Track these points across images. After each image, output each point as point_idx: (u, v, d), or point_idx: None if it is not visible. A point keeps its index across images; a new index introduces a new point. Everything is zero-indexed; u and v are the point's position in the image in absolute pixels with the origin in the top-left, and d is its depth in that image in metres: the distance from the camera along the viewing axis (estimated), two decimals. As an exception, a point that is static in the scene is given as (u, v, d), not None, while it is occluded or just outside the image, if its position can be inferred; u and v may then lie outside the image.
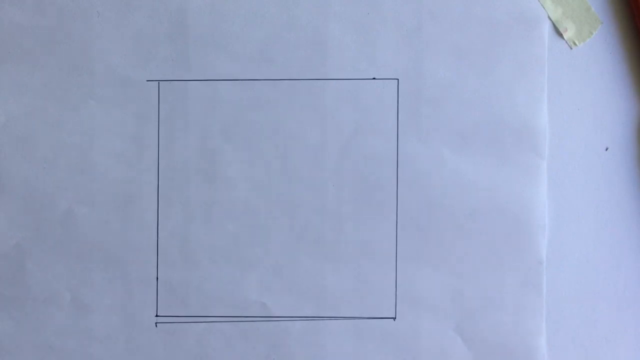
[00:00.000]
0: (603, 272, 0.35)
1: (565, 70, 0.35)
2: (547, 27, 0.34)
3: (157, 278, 0.35)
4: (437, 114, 0.34)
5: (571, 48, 0.35)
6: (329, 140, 0.34)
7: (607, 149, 0.35)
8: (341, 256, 0.34)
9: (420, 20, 0.34)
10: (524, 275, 0.34)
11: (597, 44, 0.35)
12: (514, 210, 0.34)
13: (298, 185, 0.34)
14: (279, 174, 0.34)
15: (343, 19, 0.34)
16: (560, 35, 0.35)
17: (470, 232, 0.34)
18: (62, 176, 0.34)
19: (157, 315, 0.35)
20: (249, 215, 0.34)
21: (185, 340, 0.34)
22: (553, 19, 0.34)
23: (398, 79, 0.34)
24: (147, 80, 0.34)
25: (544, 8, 0.34)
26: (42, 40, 0.34)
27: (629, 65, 0.35)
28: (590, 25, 0.35)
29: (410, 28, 0.34)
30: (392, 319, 0.34)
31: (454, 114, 0.34)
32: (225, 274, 0.34)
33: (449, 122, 0.34)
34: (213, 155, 0.35)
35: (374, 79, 0.34)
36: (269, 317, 0.34)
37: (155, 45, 0.34)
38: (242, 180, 0.35)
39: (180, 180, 0.35)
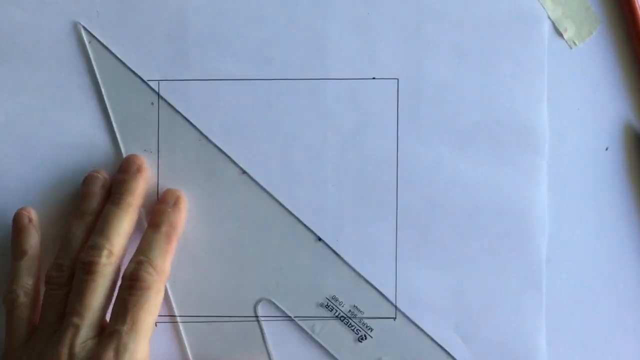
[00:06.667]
0: (603, 272, 0.35)
1: (565, 70, 0.35)
2: (546, 27, 0.34)
3: (157, 278, 0.34)
4: (437, 113, 0.34)
5: (571, 48, 0.35)
6: (329, 140, 0.34)
7: (607, 149, 0.35)
8: (341, 256, 0.34)
9: (420, 20, 0.34)
10: (524, 275, 0.34)
11: (596, 44, 0.35)
12: (514, 210, 0.34)
13: (298, 185, 0.34)
14: (279, 174, 0.34)
15: (343, 19, 0.34)
16: (560, 35, 0.35)
17: (470, 232, 0.34)
18: (62, 176, 0.34)
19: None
20: (249, 215, 0.34)
21: (184, 340, 0.34)
22: (553, 18, 0.34)
23: (398, 79, 0.34)
24: (147, 80, 0.34)
25: (543, 8, 0.34)
26: (42, 40, 0.34)
27: (628, 65, 0.35)
28: (590, 25, 0.35)
29: (410, 28, 0.34)
30: (392, 319, 0.34)
31: (454, 113, 0.34)
32: (225, 274, 0.34)
33: (449, 122, 0.34)
34: (213, 155, 0.34)
35: (374, 78, 0.34)
36: (268, 317, 0.34)
37: (155, 45, 0.34)
38: (242, 180, 0.34)
39: (180, 180, 0.35)
